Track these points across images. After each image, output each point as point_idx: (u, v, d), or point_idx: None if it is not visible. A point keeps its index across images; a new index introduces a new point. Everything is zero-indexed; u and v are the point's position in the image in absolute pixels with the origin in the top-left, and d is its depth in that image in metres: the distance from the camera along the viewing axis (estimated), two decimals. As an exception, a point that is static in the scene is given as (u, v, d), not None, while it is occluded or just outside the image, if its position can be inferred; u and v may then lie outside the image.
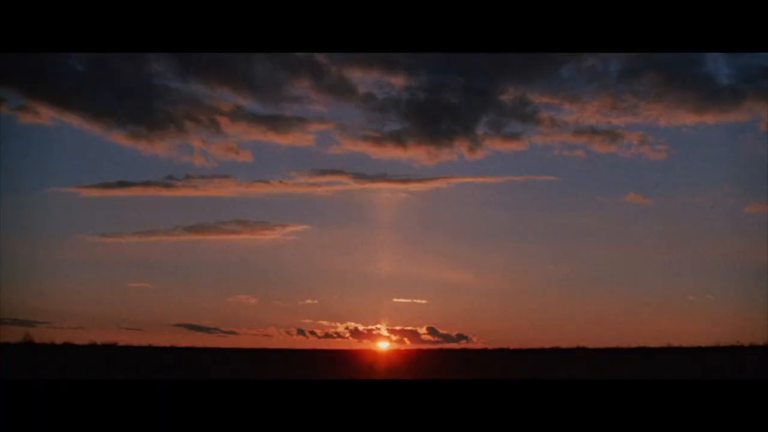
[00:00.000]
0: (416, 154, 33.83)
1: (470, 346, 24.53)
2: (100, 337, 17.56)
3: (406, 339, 24.32)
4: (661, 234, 32.08)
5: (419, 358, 12.57)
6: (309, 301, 29.26)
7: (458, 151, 32.05)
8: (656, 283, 31.06)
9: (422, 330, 25.26)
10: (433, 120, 31.18)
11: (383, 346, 18.59)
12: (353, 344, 18.58)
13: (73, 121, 30.79)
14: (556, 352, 14.70)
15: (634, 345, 19.12)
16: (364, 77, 35.29)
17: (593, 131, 30.92)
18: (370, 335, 18.51)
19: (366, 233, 33.61)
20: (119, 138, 30.93)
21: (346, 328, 18.31)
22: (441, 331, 25.71)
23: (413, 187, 30.87)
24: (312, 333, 25.83)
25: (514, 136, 31.01)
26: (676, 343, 19.03)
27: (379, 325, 19.09)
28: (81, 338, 19.32)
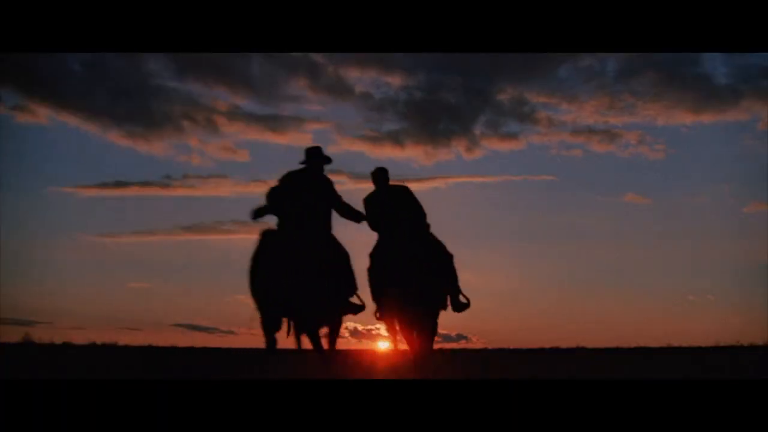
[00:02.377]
0: (414, 154, 33.78)
1: (470, 345, 24.52)
2: (100, 337, 17.53)
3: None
4: (660, 234, 32.06)
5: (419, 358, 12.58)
6: (308, 301, 29.16)
7: (456, 150, 31.99)
8: (655, 283, 31.04)
9: (422, 330, 25.22)
10: (431, 119, 31.12)
11: (383, 346, 18.58)
12: (353, 344, 18.56)
13: (70, 120, 30.73)
14: (556, 352, 14.71)
15: (633, 345, 19.14)
16: (361, 76, 35.19)
17: (591, 131, 30.89)
18: (370, 335, 18.44)
19: (364, 233, 33.55)
20: (116, 138, 30.86)
21: (346, 328, 18.21)
22: (440, 330, 25.66)
23: (411, 186, 30.78)
24: (311, 333, 25.74)
25: (511, 136, 30.98)
26: (676, 343, 19.06)
27: (378, 325, 19.03)
28: (81, 338, 19.31)
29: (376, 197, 8.02)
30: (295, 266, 7.21)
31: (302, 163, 7.74)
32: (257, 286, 7.52)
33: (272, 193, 7.45)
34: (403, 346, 8.40)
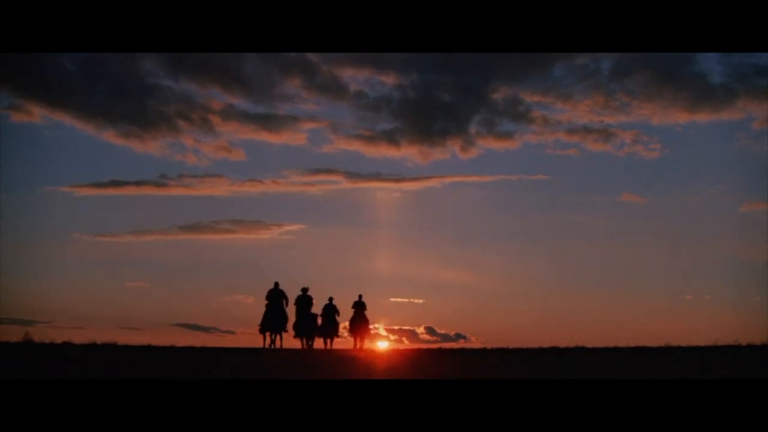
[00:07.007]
0: (409, 153, 33.77)
1: (469, 345, 24.56)
2: (100, 337, 17.47)
3: (404, 339, 24.33)
4: (656, 234, 32.04)
5: (418, 357, 12.59)
6: (307, 301, 29.22)
7: (451, 150, 31.95)
8: (652, 282, 31.02)
9: (420, 329, 25.29)
10: (426, 119, 31.02)
11: (382, 345, 18.62)
12: (352, 344, 18.62)
13: (66, 120, 30.64)
14: (555, 351, 14.73)
15: (632, 344, 19.11)
16: (355, 75, 35.02)
17: (586, 130, 30.83)
18: (369, 335, 18.61)
19: (361, 232, 33.62)
20: (112, 137, 30.83)
21: (344, 327, 18.33)
22: (439, 330, 25.72)
23: (407, 186, 30.82)
24: (310, 332, 25.80)
25: (506, 135, 30.92)
26: (674, 342, 19.03)
27: (377, 325, 19.09)
28: (81, 337, 19.26)
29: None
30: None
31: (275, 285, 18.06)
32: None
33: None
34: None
